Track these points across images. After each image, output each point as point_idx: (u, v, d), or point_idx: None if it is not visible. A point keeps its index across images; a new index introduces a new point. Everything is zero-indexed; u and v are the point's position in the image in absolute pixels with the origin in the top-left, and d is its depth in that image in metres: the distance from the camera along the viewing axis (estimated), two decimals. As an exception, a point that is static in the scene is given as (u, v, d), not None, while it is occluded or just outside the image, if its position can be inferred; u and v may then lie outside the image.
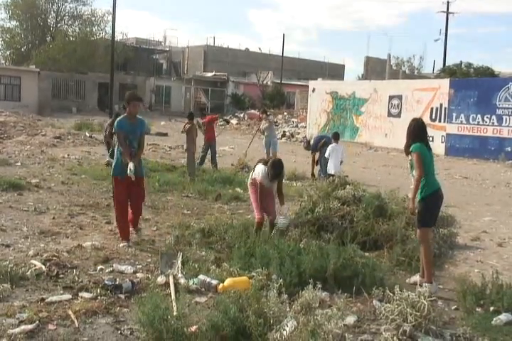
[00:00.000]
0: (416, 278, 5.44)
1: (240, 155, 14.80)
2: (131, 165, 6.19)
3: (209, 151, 13.59)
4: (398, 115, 23.80)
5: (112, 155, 12.41)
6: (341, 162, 11.69)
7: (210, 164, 13.48)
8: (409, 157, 5.44)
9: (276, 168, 6.24)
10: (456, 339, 4.08)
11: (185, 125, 12.62)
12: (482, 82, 23.50)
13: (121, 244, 6.26)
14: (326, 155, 11.48)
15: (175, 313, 3.87)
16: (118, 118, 6.58)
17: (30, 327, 3.87)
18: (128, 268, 5.34)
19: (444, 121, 22.07)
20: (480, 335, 4.16)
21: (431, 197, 5.34)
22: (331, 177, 11.26)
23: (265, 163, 6.45)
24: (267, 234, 6.29)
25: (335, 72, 54.82)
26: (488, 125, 20.68)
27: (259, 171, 6.41)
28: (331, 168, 11.37)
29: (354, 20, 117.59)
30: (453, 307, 4.84)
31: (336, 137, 11.84)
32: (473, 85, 22.01)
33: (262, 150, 15.04)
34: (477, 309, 4.68)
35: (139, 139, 6.52)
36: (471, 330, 4.19)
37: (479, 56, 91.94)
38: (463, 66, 33.96)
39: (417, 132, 5.48)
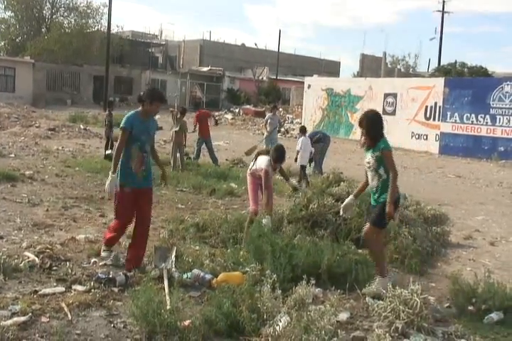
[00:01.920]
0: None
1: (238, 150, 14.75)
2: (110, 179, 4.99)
3: (204, 147, 13.58)
4: (393, 113, 23.87)
5: (112, 147, 12.37)
6: (311, 153, 11.82)
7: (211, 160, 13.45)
8: (374, 153, 4.94)
9: (279, 151, 6.48)
10: (447, 336, 4.12)
11: (172, 112, 12.67)
12: (477, 81, 23.61)
13: (103, 253, 5.35)
14: (298, 148, 11.55)
15: (168, 307, 3.87)
16: (129, 114, 5.27)
17: (22, 319, 3.86)
18: (122, 262, 5.32)
19: (439, 120, 22.15)
20: (471, 333, 4.20)
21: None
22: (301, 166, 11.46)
23: (266, 153, 6.63)
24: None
25: (331, 68, 54.72)
26: (481, 124, 20.76)
27: (263, 161, 6.48)
28: (301, 160, 11.46)
29: (351, 18, 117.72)
30: (445, 305, 4.88)
31: (304, 130, 11.98)
32: (467, 84, 22.10)
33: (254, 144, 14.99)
34: (469, 307, 4.70)
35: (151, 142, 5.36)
36: (463, 328, 4.23)
37: (474, 55, 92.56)
38: (457, 65, 34.07)
39: (382, 125, 5.00)
